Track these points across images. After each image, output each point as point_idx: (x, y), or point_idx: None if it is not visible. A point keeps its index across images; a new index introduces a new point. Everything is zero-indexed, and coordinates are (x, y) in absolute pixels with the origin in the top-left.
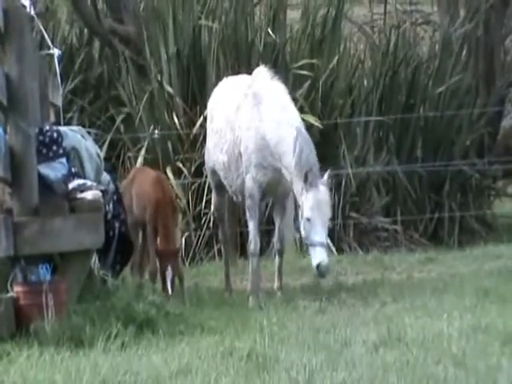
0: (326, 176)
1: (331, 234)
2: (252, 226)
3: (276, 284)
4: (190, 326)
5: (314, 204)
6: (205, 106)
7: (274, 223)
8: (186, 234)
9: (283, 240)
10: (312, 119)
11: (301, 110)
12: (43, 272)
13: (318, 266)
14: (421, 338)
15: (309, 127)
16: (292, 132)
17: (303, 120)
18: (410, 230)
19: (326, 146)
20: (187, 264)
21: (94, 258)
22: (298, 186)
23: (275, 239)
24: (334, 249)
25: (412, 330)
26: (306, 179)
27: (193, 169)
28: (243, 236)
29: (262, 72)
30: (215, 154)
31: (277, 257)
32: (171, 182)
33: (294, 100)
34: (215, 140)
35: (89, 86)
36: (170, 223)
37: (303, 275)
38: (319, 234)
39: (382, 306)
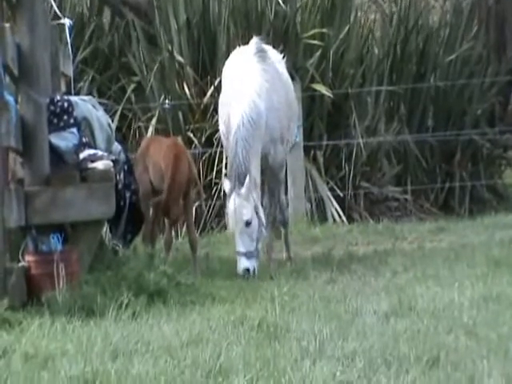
0: (246, 180)
1: (342, 203)
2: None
3: (284, 254)
4: (200, 296)
5: (230, 213)
6: (215, 76)
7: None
8: (197, 203)
9: (285, 211)
10: (323, 89)
11: (311, 80)
12: (54, 242)
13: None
14: (432, 308)
15: (320, 97)
16: (237, 122)
17: (314, 90)
18: (420, 199)
19: (337, 115)
20: (198, 234)
21: (105, 228)
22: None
23: (277, 211)
24: (344, 218)
25: (423, 300)
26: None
27: (203, 139)
28: None
29: (251, 45)
30: (220, 124)
31: (281, 228)
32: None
33: (305, 70)
34: (220, 111)
35: (99, 56)
36: (176, 188)
37: (314, 245)
38: (236, 243)
39: (393, 276)
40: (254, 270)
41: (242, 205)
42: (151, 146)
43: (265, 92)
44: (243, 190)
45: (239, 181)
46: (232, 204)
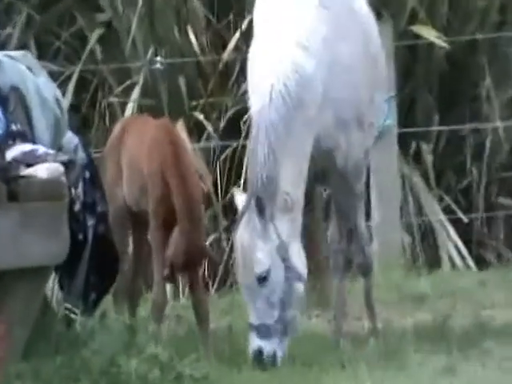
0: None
1: (467, 234)
2: None
3: (366, 323)
4: None
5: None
6: (242, 15)
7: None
8: (212, 236)
9: (366, 248)
10: (432, 35)
11: (411, 20)
12: None
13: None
14: None
15: (427, 48)
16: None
17: (417, 37)
18: None
19: (457, 80)
20: (213, 289)
21: (53, 282)
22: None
23: (353, 248)
24: (470, 261)
25: None
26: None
27: (222, 123)
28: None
29: None
30: (250, 97)
31: (361, 277)
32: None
33: (400, 2)
34: (250, 75)
35: None
36: (194, 206)
37: (419, 307)
38: (250, 311)
39: None
40: (275, 353)
41: (253, 246)
42: (128, 133)
43: (320, 42)
44: (257, 220)
45: (257, 199)
46: (239, 241)
